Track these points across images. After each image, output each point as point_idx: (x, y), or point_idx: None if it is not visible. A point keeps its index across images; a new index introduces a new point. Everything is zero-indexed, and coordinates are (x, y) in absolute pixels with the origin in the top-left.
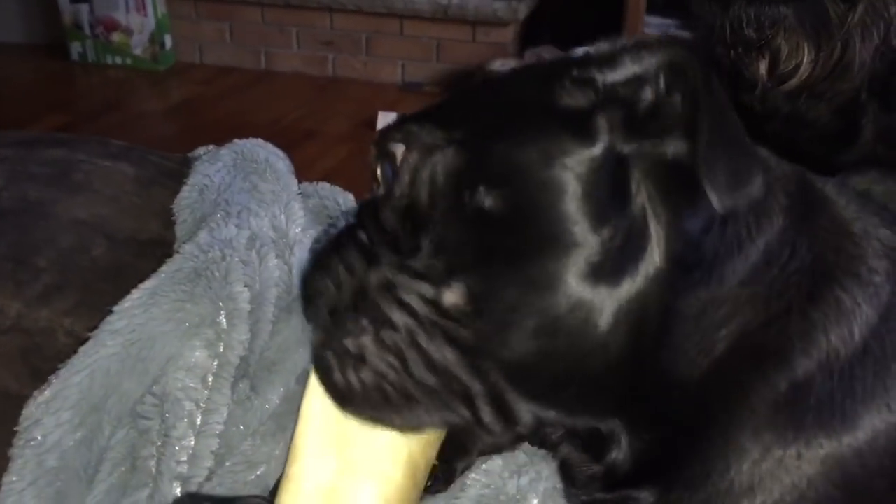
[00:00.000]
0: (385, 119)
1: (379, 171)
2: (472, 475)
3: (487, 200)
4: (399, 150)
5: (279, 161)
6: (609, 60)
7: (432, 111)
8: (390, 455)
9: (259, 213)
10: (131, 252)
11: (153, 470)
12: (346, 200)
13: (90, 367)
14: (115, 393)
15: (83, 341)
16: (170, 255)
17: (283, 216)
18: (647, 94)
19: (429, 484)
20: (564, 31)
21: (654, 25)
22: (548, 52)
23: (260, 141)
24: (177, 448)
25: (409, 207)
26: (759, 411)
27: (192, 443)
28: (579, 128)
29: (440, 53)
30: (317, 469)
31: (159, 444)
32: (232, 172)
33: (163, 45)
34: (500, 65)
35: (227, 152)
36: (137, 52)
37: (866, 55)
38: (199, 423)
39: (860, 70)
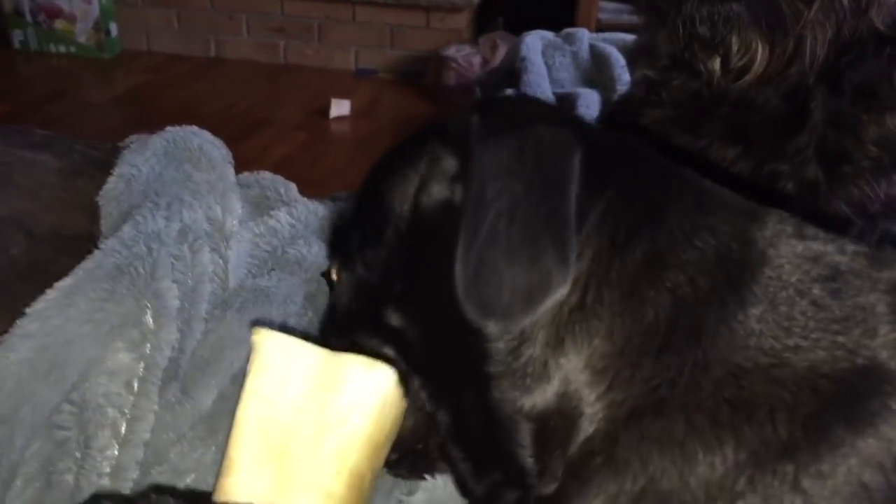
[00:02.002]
0: (338, 107)
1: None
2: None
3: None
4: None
5: (214, 149)
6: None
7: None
8: (334, 466)
9: (192, 205)
10: (54, 249)
11: (72, 485)
12: (289, 190)
13: None
14: (28, 402)
15: None
16: None
17: (218, 207)
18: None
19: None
20: (518, 16)
21: (608, 10)
22: (501, 38)
23: (194, 128)
24: (98, 460)
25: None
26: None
27: (116, 453)
28: None
29: (394, 40)
30: (253, 483)
31: (78, 455)
32: (162, 161)
33: (108, 32)
34: (455, 51)
35: (157, 140)
36: (81, 39)
37: (820, 49)
38: (123, 431)
39: (813, 63)
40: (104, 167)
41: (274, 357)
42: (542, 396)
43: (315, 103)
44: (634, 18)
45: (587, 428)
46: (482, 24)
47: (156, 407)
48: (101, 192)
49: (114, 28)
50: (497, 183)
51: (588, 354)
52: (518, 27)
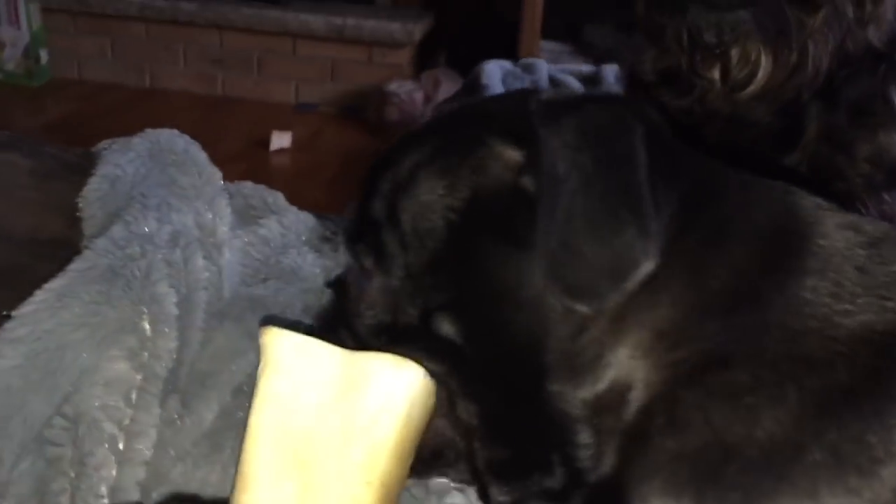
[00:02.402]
0: (279, 139)
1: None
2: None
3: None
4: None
5: (199, 152)
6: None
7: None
8: (363, 476)
9: (181, 209)
10: (28, 253)
11: None
12: (276, 199)
13: None
14: (18, 414)
15: None
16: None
17: (208, 213)
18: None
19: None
20: (460, 53)
21: (548, 51)
22: (444, 75)
23: (175, 131)
24: (95, 480)
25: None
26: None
27: (114, 473)
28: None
29: (335, 74)
30: (273, 498)
31: (73, 475)
32: (147, 163)
33: (38, 59)
34: (397, 86)
35: (140, 142)
36: (10, 66)
37: (823, 60)
38: (121, 448)
39: (815, 75)
40: (79, 170)
41: (289, 359)
42: (601, 377)
43: (254, 135)
44: (574, 58)
45: (645, 395)
46: (424, 61)
47: (157, 422)
48: (82, 193)
49: (44, 55)
50: (566, 163)
51: (651, 325)
52: (460, 64)
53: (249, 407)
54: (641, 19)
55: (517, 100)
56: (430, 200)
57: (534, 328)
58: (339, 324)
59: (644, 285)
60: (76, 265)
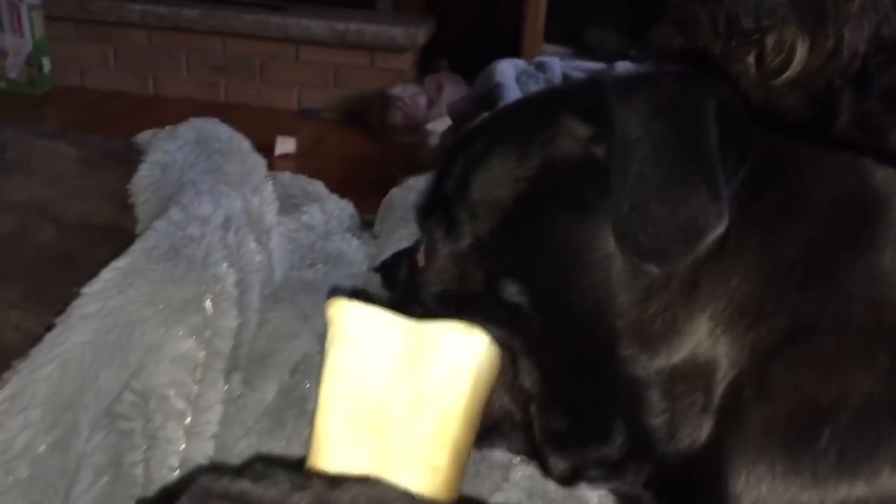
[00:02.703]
0: (283, 144)
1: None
2: (516, 461)
3: (510, 290)
4: (439, 238)
5: (242, 141)
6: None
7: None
8: (436, 439)
9: (229, 195)
10: (82, 238)
11: (142, 478)
12: (316, 188)
13: (60, 358)
14: (91, 388)
15: (35, 337)
16: (128, 242)
17: (255, 198)
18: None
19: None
20: (463, 57)
21: (551, 53)
22: (446, 79)
23: (217, 120)
24: (166, 452)
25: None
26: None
27: (183, 446)
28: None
29: (338, 79)
30: (349, 462)
31: (145, 447)
32: (195, 150)
33: (41, 67)
34: (401, 90)
35: (187, 129)
36: (13, 74)
37: (860, 46)
38: (189, 423)
39: (852, 61)
40: (124, 160)
41: (357, 329)
42: (677, 347)
43: (258, 141)
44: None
45: (730, 369)
46: (426, 65)
47: (222, 398)
48: (134, 180)
49: (47, 63)
50: (638, 130)
51: (727, 296)
52: (462, 68)
53: (319, 378)
54: (674, 7)
55: (589, 80)
56: (502, 173)
57: (601, 290)
58: (409, 296)
59: (715, 254)
60: (139, 245)
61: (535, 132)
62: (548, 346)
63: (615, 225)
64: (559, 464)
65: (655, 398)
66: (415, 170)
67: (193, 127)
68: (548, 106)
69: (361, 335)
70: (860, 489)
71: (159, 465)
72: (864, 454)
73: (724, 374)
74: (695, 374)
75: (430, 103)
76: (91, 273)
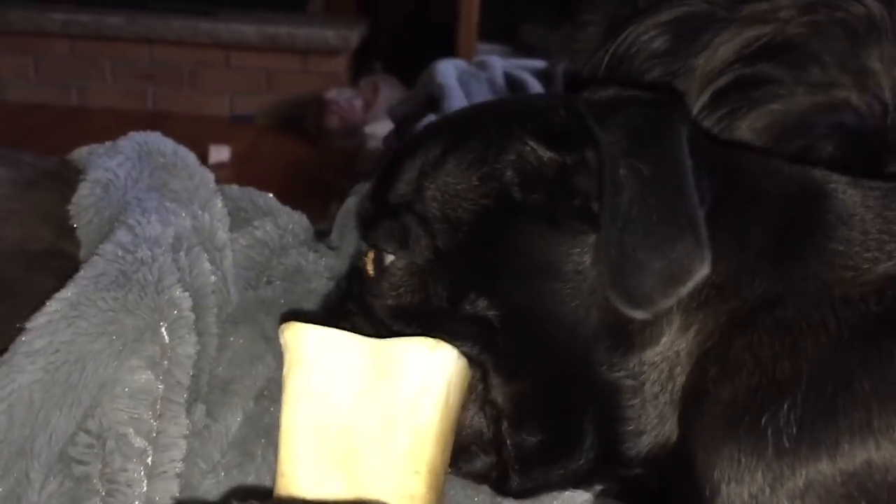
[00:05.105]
0: (217, 153)
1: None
2: None
3: (478, 305)
4: (394, 251)
5: (188, 154)
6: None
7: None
8: (410, 464)
9: (178, 213)
10: (20, 265)
11: None
12: (267, 200)
13: (6, 401)
14: (43, 432)
15: None
16: (71, 268)
17: (206, 215)
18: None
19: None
20: (398, 58)
21: (486, 51)
22: (383, 81)
23: (159, 134)
24: (128, 497)
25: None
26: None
27: (145, 489)
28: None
29: (270, 84)
30: (319, 491)
31: (104, 493)
32: (138, 166)
33: None
34: (336, 94)
35: (128, 144)
36: None
37: None
38: (149, 462)
39: None
40: (59, 179)
41: (316, 352)
42: (653, 338)
43: (192, 150)
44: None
45: (698, 349)
46: (360, 68)
47: (185, 432)
48: (74, 200)
49: None
50: (624, 169)
51: (704, 280)
52: (397, 70)
53: (279, 407)
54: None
55: (552, 103)
56: (463, 189)
57: (575, 301)
58: (353, 310)
59: None
60: (86, 272)
61: (498, 150)
62: (520, 359)
63: (605, 271)
64: (526, 483)
65: (626, 400)
66: (354, 175)
67: (134, 141)
68: (506, 125)
69: (321, 359)
70: (824, 465)
71: None
72: (821, 426)
73: (690, 354)
74: (664, 364)
75: (367, 106)
76: (33, 304)
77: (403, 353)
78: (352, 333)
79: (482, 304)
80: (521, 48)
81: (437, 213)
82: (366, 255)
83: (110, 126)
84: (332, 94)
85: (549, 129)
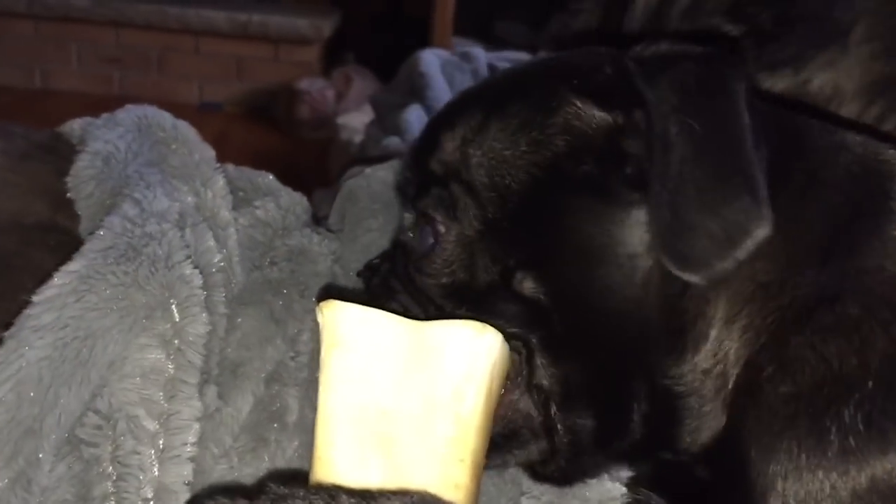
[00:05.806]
0: None
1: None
2: None
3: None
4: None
5: (188, 129)
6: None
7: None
8: (454, 452)
9: (181, 188)
10: (16, 239)
11: None
12: (266, 181)
13: (14, 378)
14: (52, 411)
15: None
16: (67, 242)
17: (208, 193)
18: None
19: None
20: (370, 50)
21: (463, 46)
22: (355, 72)
23: (156, 107)
24: (140, 481)
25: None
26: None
27: (157, 473)
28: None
29: (241, 72)
30: (357, 476)
31: (115, 477)
32: (138, 139)
33: None
34: (308, 84)
35: (126, 116)
36: None
37: None
38: (161, 445)
39: None
40: (53, 151)
41: (355, 333)
42: (704, 334)
43: None
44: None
45: (748, 349)
46: (332, 58)
47: (199, 414)
48: (72, 172)
49: None
50: (675, 129)
51: (751, 277)
52: (370, 62)
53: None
54: None
55: (598, 61)
56: (511, 155)
57: (627, 290)
58: (398, 290)
59: None
60: (93, 245)
61: (545, 113)
62: (568, 342)
63: (655, 233)
64: (571, 468)
65: (677, 402)
66: (325, 166)
67: (133, 114)
68: (551, 87)
69: (361, 339)
70: (890, 464)
71: (133, 496)
72: (891, 425)
73: (741, 352)
74: (715, 367)
75: (339, 97)
76: (33, 278)
77: (447, 336)
78: (392, 314)
79: (531, 284)
80: (495, 44)
81: (484, 180)
82: (410, 230)
83: (75, 110)
84: (303, 83)
85: (596, 88)
